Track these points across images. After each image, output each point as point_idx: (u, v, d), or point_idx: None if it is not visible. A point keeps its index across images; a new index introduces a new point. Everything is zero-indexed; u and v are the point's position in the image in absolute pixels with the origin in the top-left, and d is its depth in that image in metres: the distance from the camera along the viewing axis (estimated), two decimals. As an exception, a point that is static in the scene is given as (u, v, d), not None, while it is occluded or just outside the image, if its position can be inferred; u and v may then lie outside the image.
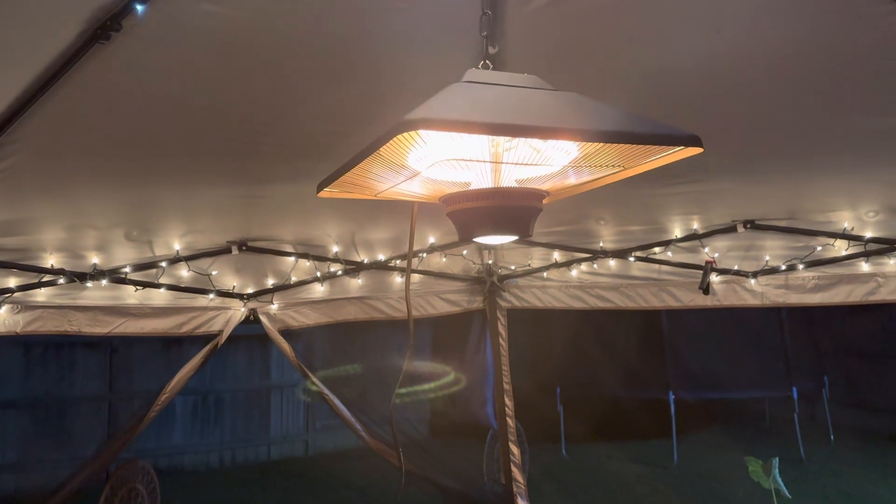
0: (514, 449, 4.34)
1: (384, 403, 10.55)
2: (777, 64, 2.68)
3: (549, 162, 1.45)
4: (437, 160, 1.39)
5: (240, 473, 9.69)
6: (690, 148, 1.37)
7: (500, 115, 1.31)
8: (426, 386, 10.03)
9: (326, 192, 1.67)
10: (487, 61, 1.61)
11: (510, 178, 1.51)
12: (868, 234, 3.55)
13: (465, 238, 1.61)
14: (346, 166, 1.52)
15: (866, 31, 2.42)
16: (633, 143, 1.36)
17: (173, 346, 9.74)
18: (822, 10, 2.41)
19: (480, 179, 1.50)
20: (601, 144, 1.36)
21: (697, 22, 2.56)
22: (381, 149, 1.32)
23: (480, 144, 1.39)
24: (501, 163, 1.45)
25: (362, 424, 4.32)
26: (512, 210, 1.52)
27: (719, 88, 2.85)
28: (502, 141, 1.39)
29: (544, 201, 1.59)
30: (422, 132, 1.24)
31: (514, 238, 1.59)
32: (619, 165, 1.51)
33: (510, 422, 4.35)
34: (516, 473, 4.30)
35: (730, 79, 2.79)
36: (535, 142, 1.37)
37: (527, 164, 1.47)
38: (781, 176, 3.36)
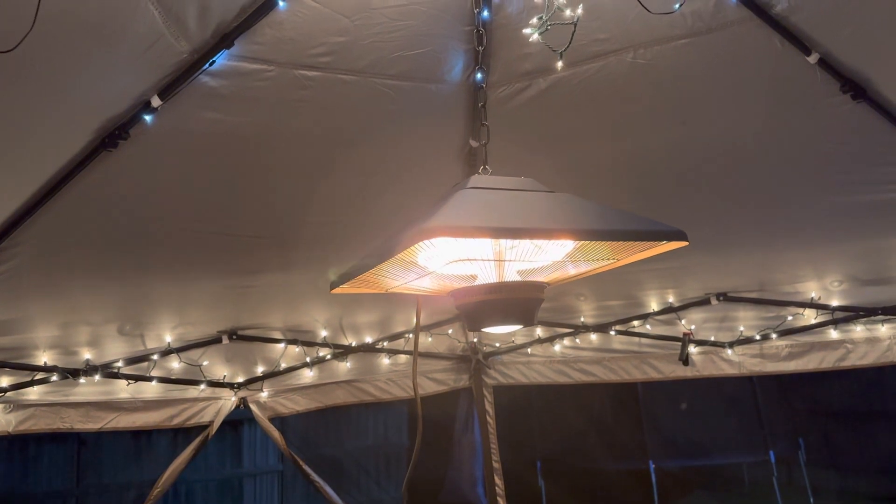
0: (506, 528, 4.33)
1: (373, 485, 10.32)
2: (739, 150, 2.89)
3: (548, 256, 1.57)
4: (450, 260, 1.51)
5: (214, 567, 9.33)
6: (676, 242, 1.51)
7: (508, 220, 1.44)
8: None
9: (339, 290, 1.77)
10: (486, 166, 1.75)
11: (512, 272, 1.63)
12: (834, 303, 3.75)
13: (474, 329, 1.71)
14: (360, 267, 1.62)
15: (821, 120, 2.65)
16: (626, 241, 1.50)
17: (142, 437, 9.49)
18: (778, 102, 2.64)
19: (485, 273, 1.61)
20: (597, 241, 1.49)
21: (665, 115, 2.78)
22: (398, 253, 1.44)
23: (487, 243, 1.51)
24: (505, 260, 1.57)
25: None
26: (517, 302, 1.63)
27: (687, 173, 3.05)
28: (506, 240, 1.51)
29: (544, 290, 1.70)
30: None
31: (520, 327, 1.70)
32: (612, 258, 1.64)
33: (501, 501, 4.36)
34: (509, 553, 4.29)
35: (695, 164, 2.99)
36: (538, 240, 1.49)
37: (528, 261, 1.59)
38: (748, 250, 3.55)
